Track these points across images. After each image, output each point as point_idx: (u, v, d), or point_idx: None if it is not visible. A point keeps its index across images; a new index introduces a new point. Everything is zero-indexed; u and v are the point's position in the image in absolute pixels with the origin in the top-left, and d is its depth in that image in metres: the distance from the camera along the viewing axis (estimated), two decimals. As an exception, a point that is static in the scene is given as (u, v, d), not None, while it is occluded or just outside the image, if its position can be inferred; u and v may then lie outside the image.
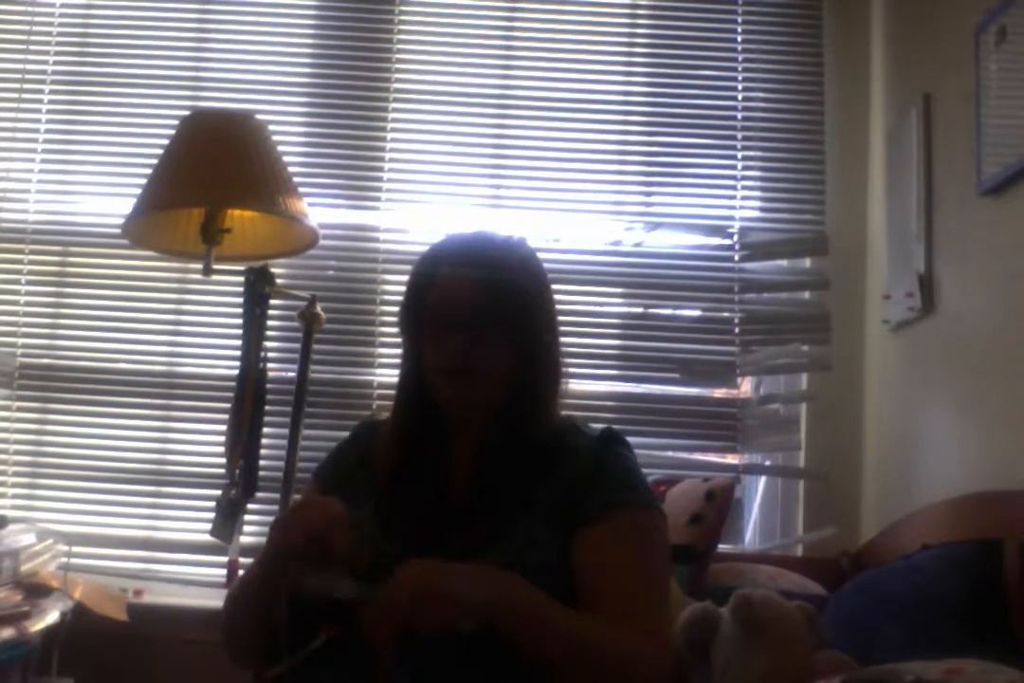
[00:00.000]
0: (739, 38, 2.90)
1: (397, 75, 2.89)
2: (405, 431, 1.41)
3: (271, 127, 2.39)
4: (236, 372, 2.26)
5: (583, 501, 1.31)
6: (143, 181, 2.28)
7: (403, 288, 1.45)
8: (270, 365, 2.35)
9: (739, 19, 2.90)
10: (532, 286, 1.39)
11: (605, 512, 1.30)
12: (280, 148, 2.36)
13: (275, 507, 2.31)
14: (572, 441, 1.38)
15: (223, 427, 2.28)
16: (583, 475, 1.33)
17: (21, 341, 2.79)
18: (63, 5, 2.92)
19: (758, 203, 2.88)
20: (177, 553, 2.72)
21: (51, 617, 2.23)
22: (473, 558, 1.24)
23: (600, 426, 1.45)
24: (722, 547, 2.41)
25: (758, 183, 2.87)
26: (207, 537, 2.29)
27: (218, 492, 2.24)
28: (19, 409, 2.77)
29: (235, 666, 1.42)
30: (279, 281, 2.32)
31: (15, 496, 2.73)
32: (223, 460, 2.24)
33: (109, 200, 2.82)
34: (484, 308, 1.34)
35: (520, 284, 1.37)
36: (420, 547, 1.25)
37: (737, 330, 2.80)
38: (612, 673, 1.21)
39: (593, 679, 1.22)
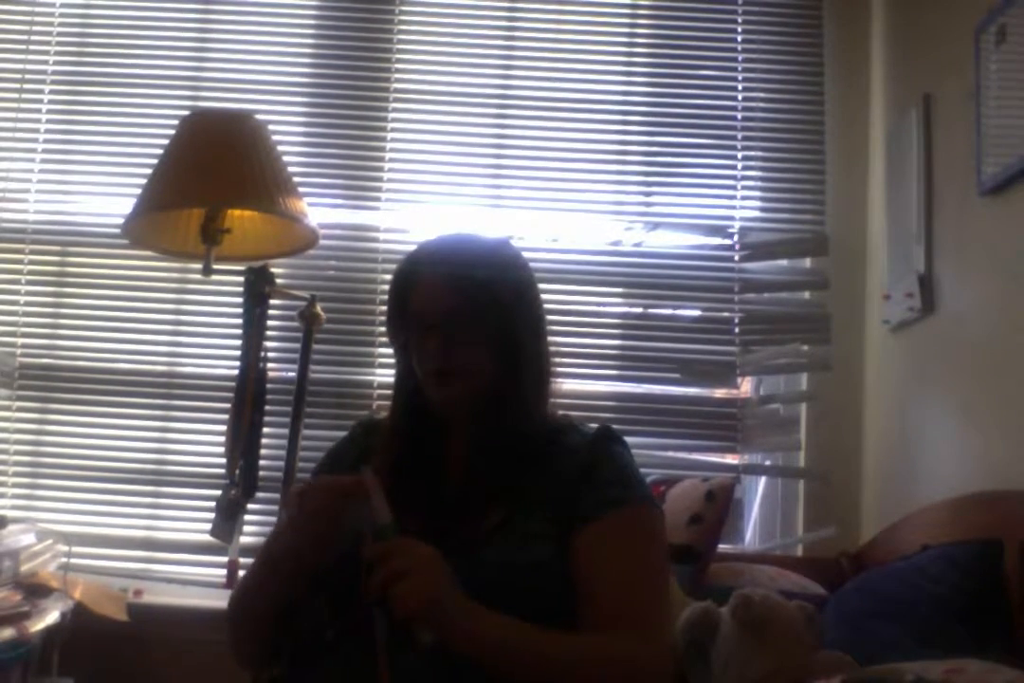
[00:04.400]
0: (739, 38, 2.90)
1: (397, 75, 2.89)
2: (401, 429, 1.42)
3: (271, 127, 2.39)
4: (236, 372, 2.26)
5: (580, 499, 1.31)
6: (143, 181, 2.28)
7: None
8: (270, 365, 2.35)
9: (739, 19, 2.90)
10: (511, 287, 1.39)
11: (603, 510, 1.30)
12: (280, 148, 2.36)
13: (275, 507, 2.31)
14: (568, 439, 1.39)
15: (223, 427, 2.28)
16: (580, 473, 1.33)
17: (21, 341, 2.79)
18: (63, 5, 2.92)
19: (758, 203, 2.88)
20: (177, 553, 2.72)
21: (51, 617, 2.23)
22: (470, 554, 1.24)
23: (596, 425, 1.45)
24: (722, 547, 2.41)
25: (758, 183, 2.87)
26: (207, 537, 2.29)
27: (218, 492, 2.24)
28: (19, 409, 2.77)
29: (240, 666, 1.41)
30: (279, 281, 2.32)
31: (15, 496, 2.73)
32: (223, 460, 2.25)
33: (109, 200, 2.83)
34: (459, 310, 1.34)
35: (496, 285, 1.36)
36: None
37: (737, 330, 2.80)
38: (612, 674, 1.21)
39: (593, 681, 1.22)
